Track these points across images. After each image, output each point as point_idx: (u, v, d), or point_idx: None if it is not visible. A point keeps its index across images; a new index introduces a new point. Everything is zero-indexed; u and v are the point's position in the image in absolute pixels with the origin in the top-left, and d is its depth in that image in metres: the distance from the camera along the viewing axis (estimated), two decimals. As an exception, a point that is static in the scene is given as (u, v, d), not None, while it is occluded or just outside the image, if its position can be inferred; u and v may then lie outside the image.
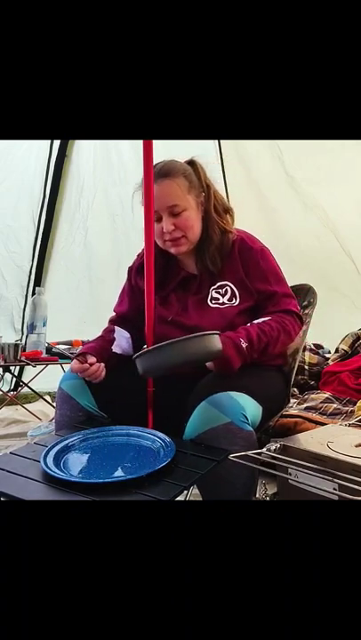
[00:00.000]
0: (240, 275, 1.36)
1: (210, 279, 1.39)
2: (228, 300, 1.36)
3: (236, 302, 1.35)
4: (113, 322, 1.52)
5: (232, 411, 1.15)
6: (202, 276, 1.40)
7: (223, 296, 1.36)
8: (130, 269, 1.54)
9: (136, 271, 1.50)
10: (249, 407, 1.19)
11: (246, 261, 1.37)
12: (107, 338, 1.45)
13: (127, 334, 1.47)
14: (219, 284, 1.37)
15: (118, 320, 1.52)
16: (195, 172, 1.38)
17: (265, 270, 1.37)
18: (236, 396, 1.17)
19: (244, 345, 1.22)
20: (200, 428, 1.16)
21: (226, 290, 1.37)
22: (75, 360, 1.32)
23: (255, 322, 1.32)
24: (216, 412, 1.14)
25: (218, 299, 1.36)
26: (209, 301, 1.37)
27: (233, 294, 1.36)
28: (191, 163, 1.40)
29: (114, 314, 1.56)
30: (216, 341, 1.13)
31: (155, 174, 1.28)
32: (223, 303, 1.35)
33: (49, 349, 2.54)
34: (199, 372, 1.25)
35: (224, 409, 1.15)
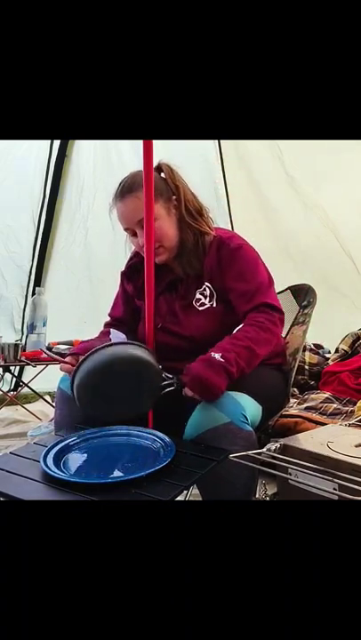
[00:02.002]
0: (216, 273, 1.34)
1: (195, 281, 1.38)
2: (208, 302, 1.35)
3: (214, 302, 1.34)
4: (109, 325, 1.53)
5: (232, 411, 1.15)
6: (188, 279, 1.39)
7: (206, 297, 1.36)
8: (122, 274, 1.55)
9: (126, 276, 1.52)
10: (249, 407, 1.19)
11: (224, 260, 1.34)
12: (102, 338, 1.45)
13: (123, 335, 1.46)
14: (203, 286, 1.37)
15: (114, 324, 1.53)
16: (163, 178, 1.37)
17: (240, 268, 1.33)
18: (236, 396, 1.17)
19: (216, 355, 1.15)
20: (200, 428, 1.16)
21: (205, 289, 1.36)
22: (67, 358, 1.31)
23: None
24: (216, 412, 1.14)
25: (200, 299, 1.36)
26: (194, 303, 1.36)
27: (211, 293, 1.35)
28: (156, 168, 1.37)
29: (109, 319, 1.56)
30: (135, 351, 1.11)
31: (118, 193, 1.33)
32: (204, 304, 1.35)
33: (49, 349, 2.54)
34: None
35: (224, 409, 1.15)
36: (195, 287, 1.38)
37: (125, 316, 1.51)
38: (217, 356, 1.16)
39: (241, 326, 1.26)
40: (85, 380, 1.09)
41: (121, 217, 1.36)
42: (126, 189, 1.33)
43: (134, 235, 1.35)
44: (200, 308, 1.36)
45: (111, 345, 1.15)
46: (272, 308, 1.29)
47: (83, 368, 1.09)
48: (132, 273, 1.49)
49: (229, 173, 3.08)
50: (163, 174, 1.39)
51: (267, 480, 1.27)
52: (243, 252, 1.35)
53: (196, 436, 1.16)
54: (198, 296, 1.37)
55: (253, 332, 1.23)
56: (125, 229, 1.37)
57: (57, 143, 3.15)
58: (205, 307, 1.35)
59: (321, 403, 2.15)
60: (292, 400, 2.19)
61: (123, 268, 1.56)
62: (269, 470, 1.03)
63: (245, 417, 1.16)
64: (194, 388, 1.15)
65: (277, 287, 1.44)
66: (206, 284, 1.36)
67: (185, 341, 1.35)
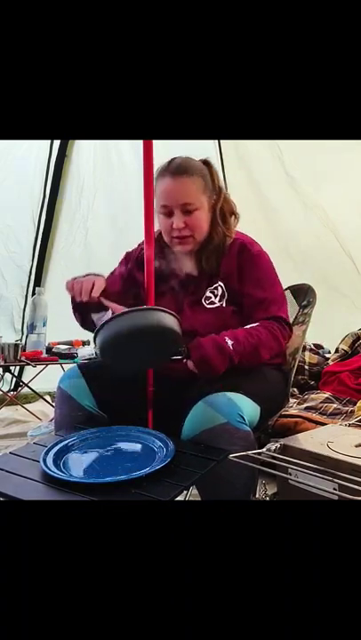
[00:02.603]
0: (233, 276, 1.36)
1: (208, 280, 1.39)
2: (218, 301, 1.36)
3: (224, 302, 1.35)
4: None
5: (228, 411, 1.14)
6: (200, 277, 1.40)
7: (216, 296, 1.37)
8: (128, 255, 1.51)
9: (135, 261, 1.47)
10: (246, 407, 1.18)
11: (242, 264, 1.36)
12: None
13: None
14: (215, 285, 1.38)
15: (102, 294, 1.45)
16: (210, 173, 1.37)
17: (259, 275, 1.36)
18: (233, 397, 1.17)
19: (229, 343, 1.19)
20: (197, 428, 1.16)
21: (217, 288, 1.37)
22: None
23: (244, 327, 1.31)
24: (212, 413, 1.14)
25: (210, 298, 1.37)
26: (203, 301, 1.37)
27: (222, 294, 1.36)
28: (206, 163, 1.38)
29: None
30: (165, 317, 1.11)
31: (171, 168, 1.29)
32: (213, 303, 1.36)
33: (49, 349, 2.54)
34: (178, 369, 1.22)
35: (220, 409, 1.15)
36: (206, 285, 1.38)
37: (118, 295, 1.41)
38: (229, 342, 1.20)
39: (256, 325, 1.28)
40: (114, 335, 1.10)
41: (166, 193, 1.31)
42: (182, 169, 1.30)
43: (168, 215, 1.33)
44: (208, 306, 1.36)
45: (144, 310, 1.16)
46: (286, 323, 1.34)
47: (113, 324, 1.10)
48: (143, 263, 1.43)
49: (229, 173, 3.08)
50: (209, 171, 1.38)
51: (267, 480, 1.26)
52: (263, 259, 1.39)
53: (193, 437, 1.16)
54: (208, 294, 1.37)
55: (266, 336, 1.26)
56: (162, 206, 1.32)
57: (57, 143, 3.15)
58: (215, 305, 1.36)
59: (321, 403, 2.15)
60: (292, 400, 2.20)
61: (130, 249, 1.52)
62: (269, 470, 1.03)
63: (242, 417, 1.16)
64: (198, 365, 1.19)
65: (278, 287, 1.44)
66: (220, 283, 1.37)
67: (187, 337, 1.35)
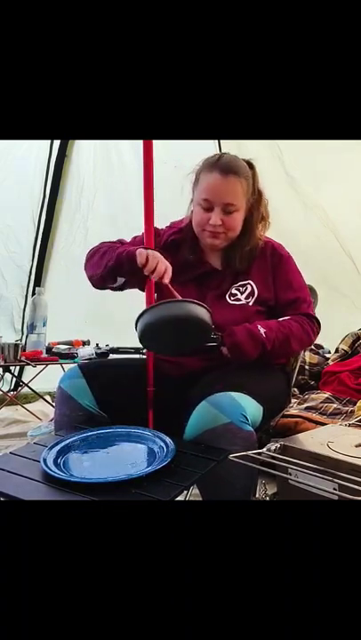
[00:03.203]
0: (268, 278, 1.40)
1: (233, 276, 1.40)
2: (245, 299, 1.38)
3: (251, 301, 1.37)
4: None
5: (232, 411, 1.14)
6: (225, 272, 1.41)
7: (242, 294, 1.38)
8: (157, 232, 1.42)
9: (163, 249, 1.40)
10: (249, 407, 1.19)
11: (276, 267, 1.41)
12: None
13: None
14: (241, 282, 1.39)
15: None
16: (253, 175, 1.38)
17: (291, 278, 1.42)
18: (236, 397, 1.17)
19: (262, 330, 1.25)
20: (200, 428, 1.16)
21: (246, 288, 1.39)
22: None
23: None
24: (216, 413, 1.14)
25: (236, 295, 1.38)
26: (227, 297, 1.38)
27: (252, 293, 1.38)
28: (251, 166, 1.39)
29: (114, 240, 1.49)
30: (197, 309, 1.19)
31: (221, 165, 1.30)
32: (239, 300, 1.38)
33: (49, 349, 2.54)
34: (201, 363, 1.25)
35: (224, 409, 1.14)
36: (230, 282, 1.40)
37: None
38: (262, 330, 1.27)
39: (288, 318, 1.35)
40: (152, 322, 1.19)
41: (211, 189, 1.31)
42: (232, 169, 1.30)
43: (207, 210, 1.32)
44: (232, 302, 1.38)
45: (181, 302, 1.22)
46: (316, 320, 1.41)
47: (154, 312, 1.20)
48: (171, 247, 1.43)
49: (229, 173, 3.08)
50: (252, 174, 1.38)
51: (267, 480, 1.26)
52: (292, 262, 1.45)
53: (196, 437, 1.16)
54: (234, 291, 1.39)
55: (297, 329, 1.33)
56: (204, 200, 1.31)
57: (57, 143, 3.15)
58: (240, 302, 1.37)
59: (321, 403, 2.15)
60: (292, 400, 2.19)
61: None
62: (269, 470, 1.03)
63: (245, 417, 1.16)
64: (232, 351, 1.26)
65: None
66: (250, 282, 1.39)
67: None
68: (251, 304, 1.37)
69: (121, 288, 1.38)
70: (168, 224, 1.51)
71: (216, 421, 1.14)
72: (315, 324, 1.40)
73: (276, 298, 1.40)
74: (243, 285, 1.39)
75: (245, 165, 1.35)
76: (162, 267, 1.22)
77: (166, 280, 1.23)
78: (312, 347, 2.72)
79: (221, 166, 1.30)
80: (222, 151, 3.06)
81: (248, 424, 1.16)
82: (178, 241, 1.44)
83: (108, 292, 1.42)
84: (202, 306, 1.20)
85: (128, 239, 1.48)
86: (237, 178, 1.30)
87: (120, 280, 1.33)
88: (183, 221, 1.47)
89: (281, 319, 1.35)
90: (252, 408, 1.20)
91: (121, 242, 1.47)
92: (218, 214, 1.31)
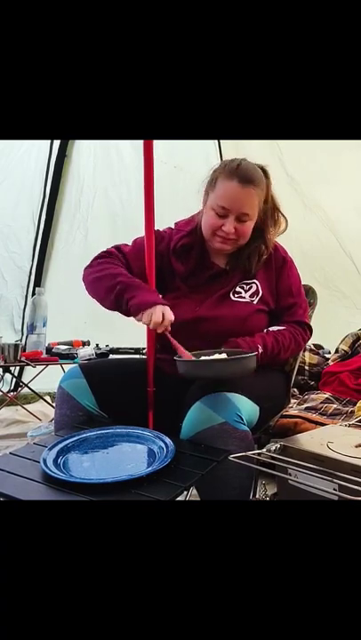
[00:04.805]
0: (272, 280, 1.42)
1: (240, 275, 1.41)
2: (249, 297, 1.39)
3: (256, 300, 1.38)
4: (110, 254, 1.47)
5: (226, 411, 1.14)
6: (232, 272, 1.42)
7: (247, 292, 1.39)
8: (160, 234, 1.46)
9: (175, 254, 1.44)
10: (244, 407, 1.18)
11: (279, 271, 1.43)
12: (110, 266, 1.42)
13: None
14: (249, 282, 1.40)
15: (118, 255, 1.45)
16: (267, 184, 1.38)
17: (291, 284, 1.44)
18: (231, 396, 1.17)
19: (260, 350, 1.28)
20: (195, 428, 1.16)
21: (251, 287, 1.40)
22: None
23: (271, 329, 1.37)
24: (210, 412, 1.14)
25: (240, 292, 1.39)
26: (231, 294, 1.39)
27: (256, 292, 1.39)
28: (265, 172, 1.38)
29: (112, 248, 1.49)
30: (254, 362, 1.19)
31: (240, 173, 1.29)
32: (243, 297, 1.39)
33: (49, 350, 2.54)
34: None
35: (218, 409, 1.15)
36: (237, 280, 1.41)
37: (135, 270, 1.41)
38: (260, 350, 1.29)
39: (283, 329, 1.38)
40: (193, 370, 1.22)
41: (229, 197, 1.30)
42: (251, 179, 1.30)
43: (222, 216, 1.32)
44: (235, 299, 1.39)
45: (220, 361, 1.21)
46: (308, 327, 1.45)
47: (201, 364, 1.21)
48: (182, 252, 1.44)
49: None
50: (267, 182, 1.38)
51: (267, 480, 1.27)
52: (294, 267, 1.47)
53: (192, 436, 1.16)
54: (238, 289, 1.40)
55: (289, 340, 1.36)
56: (220, 207, 1.31)
57: (57, 143, 3.15)
58: (243, 300, 1.39)
59: (321, 403, 2.15)
60: (292, 400, 2.19)
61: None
62: (269, 471, 1.03)
63: (240, 417, 1.16)
64: None
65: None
66: (256, 282, 1.41)
67: (208, 324, 1.36)
68: (255, 303, 1.38)
69: None
70: (173, 225, 1.51)
71: (211, 421, 1.14)
72: (307, 333, 1.43)
73: (276, 301, 1.42)
74: (248, 284, 1.40)
75: (262, 175, 1.36)
76: (156, 318, 1.22)
77: (161, 330, 1.24)
78: (312, 347, 2.73)
79: (241, 175, 1.29)
80: (222, 151, 3.10)
81: (243, 424, 1.16)
82: (188, 245, 1.44)
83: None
84: (252, 355, 1.19)
85: (128, 239, 1.48)
86: (255, 188, 1.31)
87: None
88: (190, 223, 1.47)
89: (277, 329, 1.37)
90: (247, 408, 1.20)
91: (119, 249, 1.47)
92: (232, 222, 1.32)
